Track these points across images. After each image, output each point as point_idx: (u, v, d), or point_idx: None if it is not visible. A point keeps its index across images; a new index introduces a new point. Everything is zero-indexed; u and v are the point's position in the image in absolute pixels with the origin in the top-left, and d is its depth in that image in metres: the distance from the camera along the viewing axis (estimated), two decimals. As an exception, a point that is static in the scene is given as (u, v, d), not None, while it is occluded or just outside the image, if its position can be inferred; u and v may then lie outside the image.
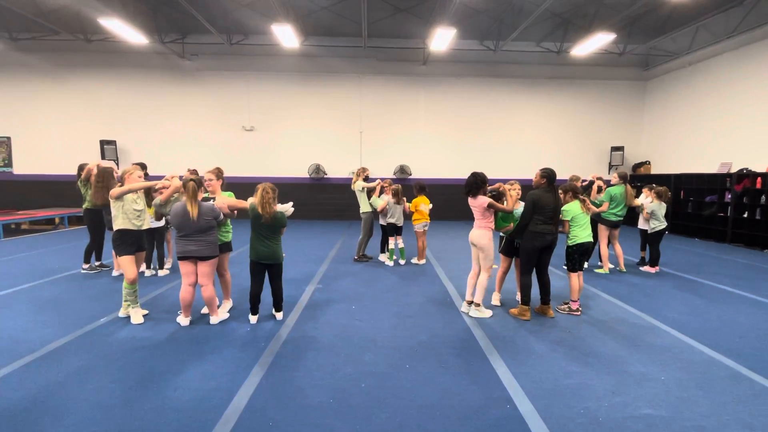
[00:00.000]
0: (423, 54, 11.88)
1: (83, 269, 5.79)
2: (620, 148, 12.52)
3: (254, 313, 3.87)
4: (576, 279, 4.26)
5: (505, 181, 4.56)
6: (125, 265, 3.87)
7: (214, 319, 3.85)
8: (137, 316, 3.87)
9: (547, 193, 4.01)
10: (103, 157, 11.72)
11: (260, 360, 3.10)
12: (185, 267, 3.70)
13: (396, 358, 3.20)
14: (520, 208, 4.19)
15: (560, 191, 4.39)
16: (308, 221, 12.14)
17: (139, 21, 9.85)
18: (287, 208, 3.93)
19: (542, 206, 3.95)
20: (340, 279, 5.61)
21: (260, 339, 3.50)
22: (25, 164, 12.27)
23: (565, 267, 4.58)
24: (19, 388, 2.67)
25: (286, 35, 9.40)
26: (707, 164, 10.29)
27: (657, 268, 6.22)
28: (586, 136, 12.85)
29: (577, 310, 4.24)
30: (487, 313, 4.13)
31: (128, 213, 3.92)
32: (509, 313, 4.18)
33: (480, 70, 12.42)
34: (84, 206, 5.77)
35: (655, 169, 12.24)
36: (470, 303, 4.21)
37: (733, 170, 9.37)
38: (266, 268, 3.83)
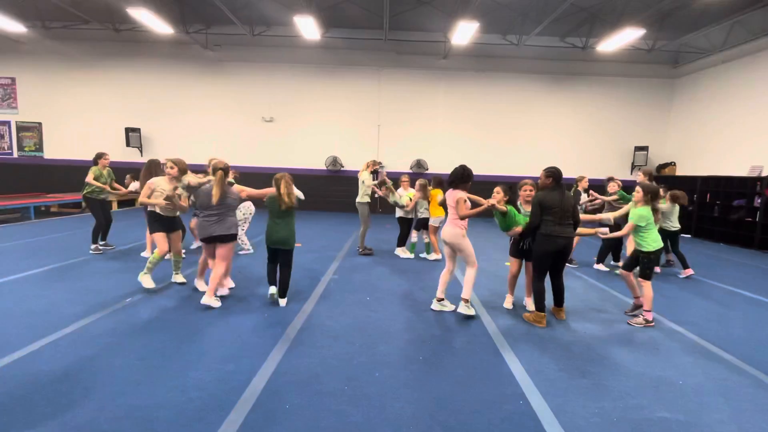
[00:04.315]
0: (444, 48, 11.75)
1: (91, 250, 6.10)
2: (644, 148, 12.16)
3: (273, 284, 4.11)
4: (650, 287, 3.92)
5: (517, 179, 4.48)
6: (158, 240, 4.35)
7: (205, 299, 3.88)
8: (148, 281, 4.27)
9: (552, 192, 3.81)
10: (127, 145, 12.06)
11: (277, 345, 3.19)
12: (209, 250, 4.15)
13: (410, 349, 3.24)
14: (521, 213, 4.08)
15: (639, 191, 3.98)
16: (325, 213, 12.26)
17: (165, 11, 10.05)
18: (299, 194, 4.31)
19: (548, 206, 3.76)
20: (356, 270, 5.67)
21: (278, 325, 3.59)
22: (54, 149, 12.74)
23: (621, 270, 4.27)
24: (52, 361, 2.81)
25: (307, 27, 9.44)
26: (736, 167, 9.91)
27: (659, 269, 6.13)
28: (609, 134, 12.53)
29: (652, 321, 3.92)
30: (450, 307, 4.11)
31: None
32: (523, 317, 4.04)
33: (502, 65, 12.22)
34: (84, 193, 6.18)
35: (681, 171, 11.85)
36: (440, 300, 4.14)
37: (765, 174, 9.01)
38: (278, 253, 4.07)
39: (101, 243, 6.30)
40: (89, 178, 6.10)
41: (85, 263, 5.49)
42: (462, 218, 3.89)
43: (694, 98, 11.61)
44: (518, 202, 4.29)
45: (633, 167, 12.35)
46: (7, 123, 12.64)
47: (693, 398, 2.67)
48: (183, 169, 4.31)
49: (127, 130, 12.10)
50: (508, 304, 4.38)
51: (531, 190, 4.24)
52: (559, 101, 12.46)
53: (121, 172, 8.27)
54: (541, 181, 3.98)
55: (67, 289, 4.39)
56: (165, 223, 4.38)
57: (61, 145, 12.69)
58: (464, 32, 9.30)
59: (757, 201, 8.93)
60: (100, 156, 6.26)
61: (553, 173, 3.87)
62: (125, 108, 12.47)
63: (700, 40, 10.65)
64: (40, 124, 12.67)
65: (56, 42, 12.12)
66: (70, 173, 12.49)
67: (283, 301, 4.10)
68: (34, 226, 8.33)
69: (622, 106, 12.45)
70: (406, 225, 6.67)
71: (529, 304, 4.27)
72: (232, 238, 4.04)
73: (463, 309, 3.94)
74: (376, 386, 2.67)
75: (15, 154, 12.76)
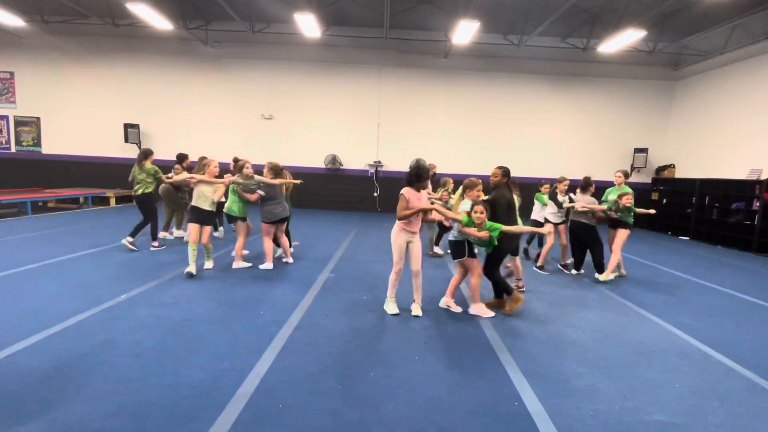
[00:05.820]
0: (445, 47, 11.72)
1: (154, 247, 6.18)
2: (644, 150, 12.16)
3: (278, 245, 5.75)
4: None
5: (517, 179, 4.60)
6: (191, 229, 4.98)
7: (268, 265, 5.35)
8: (192, 267, 4.85)
9: (509, 191, 4.11)
10: (126, 140, 12.02)
11: (272, 344, 3.17)
12: (272, 228, 5.38)
13: (405, 349, 3.22)
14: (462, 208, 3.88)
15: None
16: (323, 211, 12.24)
17: (164, 7, 9.99)
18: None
19: (513, 204, 4.06)
20: (353, 269, 5.65)
21: (273, 324, 3.57)
22: (53, 144, 12.68)
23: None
24: (44, 356, 2.79)
25: (308, 24, 9.40)
26: (736, 170, 9.91)
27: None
28: (609, 136, 12.52)
29: (522, 286, 4.86)
30: (393, 310, 3.92)
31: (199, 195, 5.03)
32: (504, 312, 4.05)
33: (502, 65, 12.19)
34: (143, 191, 6.05)
35: (680, 173, 11.86)
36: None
37: (764, 177, 9.00)
38: (285, 220, 5.58)
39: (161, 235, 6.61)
40: (171, 177, 6.25)
41: (80, 259, 5.46)
42: (399, 218, 3.77)
43: (694, 100, 11.61)
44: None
45: (632, 168, 12.34)
46: (5, 117, 12.58)
47: (689, 401, 2.66)
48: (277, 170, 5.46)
49: (126, 126, 12.04)
50: (444, 304, 4.20)
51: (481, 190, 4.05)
52: (559, 102, 12.44)
53: (122, 169, 8.23)
54: (497, 179, 4.10)
55: (62, 284, 4.36)
56: (201, 216, 4.98)
57: (59, 140, 12.62)
58: (465, 32, 9.28)
59: (756, 204, 8.93)
60: (150, 153, 6.14)
61: (508, 172, 4.15)
62: (124, 103, 12.41)
63: (701, 43, 10.64)
64: (38, 118, 12.61)
65: (55, 36, 12.06)
66: (68, 168, 12.46)
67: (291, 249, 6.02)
68: (31, 222, 8.30)
69: (623, 107, 12.44)
70: (440, 225, 6.47)
71: (448, 303, 4.19)
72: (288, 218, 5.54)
73: (387, 306, 4.06)
74: (371, 386, 2.65)
75: (13, 149, 12.70)
